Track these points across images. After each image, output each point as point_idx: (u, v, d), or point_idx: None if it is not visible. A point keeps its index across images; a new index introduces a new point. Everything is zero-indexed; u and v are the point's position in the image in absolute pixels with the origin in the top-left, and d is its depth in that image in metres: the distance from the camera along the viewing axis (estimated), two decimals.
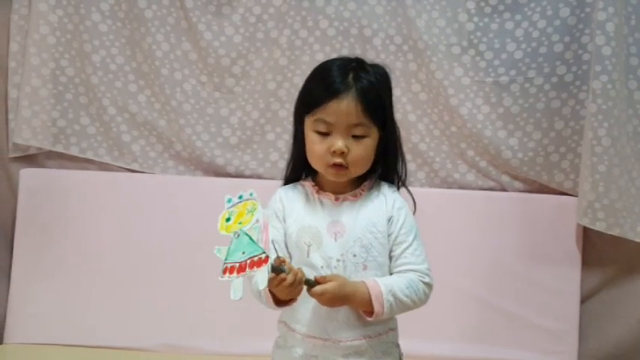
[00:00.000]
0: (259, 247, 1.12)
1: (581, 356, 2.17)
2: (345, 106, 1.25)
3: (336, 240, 1.30)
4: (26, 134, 2.19)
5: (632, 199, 2.08)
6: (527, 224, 2.19)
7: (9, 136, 2.22)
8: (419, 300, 1.29)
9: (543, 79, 2.17)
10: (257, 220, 1.15)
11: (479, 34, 2.20)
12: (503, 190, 2.26)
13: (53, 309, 2.16)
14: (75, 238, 2.19)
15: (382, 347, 1.33)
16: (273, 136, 2.30)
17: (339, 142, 1.26)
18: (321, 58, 2.16)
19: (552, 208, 2.20)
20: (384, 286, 1.26)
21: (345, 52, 2.14)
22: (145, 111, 2.28)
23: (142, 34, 2.23)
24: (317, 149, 1.29)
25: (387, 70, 1.35)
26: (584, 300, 2.20)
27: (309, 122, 1.31)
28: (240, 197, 1.21)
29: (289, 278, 1.17)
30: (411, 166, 2.21)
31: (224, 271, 1.12)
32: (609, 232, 2.08)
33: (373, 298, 1.25)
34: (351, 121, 1.26)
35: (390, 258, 1.32)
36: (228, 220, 1.19)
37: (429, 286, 1.30)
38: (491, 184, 2.26)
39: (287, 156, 1.43)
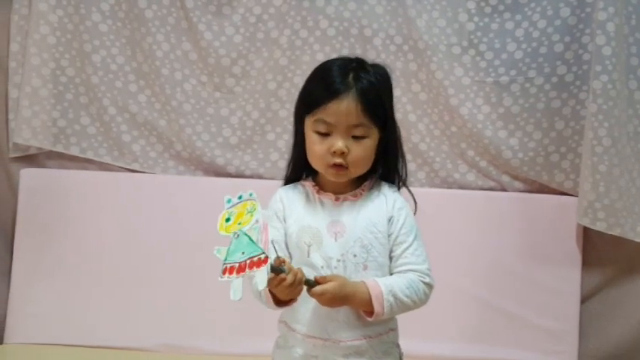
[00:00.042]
0: (259, 247, 1.12)
1: (581, 356, 2.17)
2: (345, 107, 1.25)
3: (336, 240, 1.30)
4: (26, 134, 2.19)
5: (632, 199, 2.08)
6: (527, 224, 2.19)
7: (9, 136, 2.22)
8: (419, 300, 1.29)
9: (544, 79, 2.17)
10: (256, 221, 1.15)
11: (479, 34, 2.20)
12: (504, 190, 2.26)
13: (53, 309, 2.16)
14: (75, 238, 2.19)
15: (382, 347, 1.33)
16: (274, 136, 2.30)
17: (339, 143, 1.26)
18: (321, 58, 2.16)
19: (552, 208, 2.20)
20: (384, 286, 1.26)
21: (345, 52, 2.14)
22: (145, 111, 2.28)
23: (143, 34, 2.23)
24: (317, 149, 1.29)
25: (388, 70, 1.35)
26: (584, 300, 2.20)
27: (309, 122, 1.30)
28: (240, 198, 1.21)
29: (289, 278, 1.16)
30: (411, 166, 2.21)
31: (224, 272, 1.12)
32: (609, 232, 2.08)
33: (373, 298, 1.25)
34: (351, 121, 1.26)
35: (391, 258, 1.32)
36: (227, 220, 1.19)
37: (429, 286, 1.30)
38: (492, 184, 2.26)
39: (287, 156, 1.43)
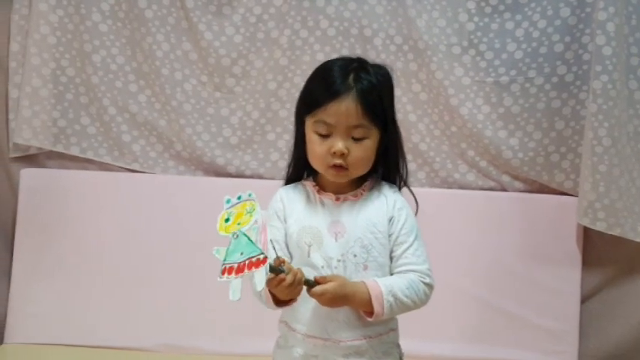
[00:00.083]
0: (258, 247, 1.12)
1: (581, 356, 2.17)
2: (345, 108, 1.25)
3: (336, 240, 1.30)
4: (27, 134, 2.19)
5: (632, 199, 2.08)
6: (527, 224, 2.19)
7: (9, 136, 2.22)
8: (419, 300, 1.29)
9: (544, 79, 2.17)
10: (255, 221, 1.15)
11: (479, 34, 2.20)
12: (504, 190, 2.26)
13: (53, 309, 2.16)
14: (75, 238, 2.19)
15: (383, 347, 1.33)
16: (274, 136, 2.30)
17: (339, 144, 1.26)
18: (321, 58, 2.16)
19: (553, 208, 2.19)
20: (384, 286, 1.26)
21: (346, 52, 2.14)
22: (145, 111, 2.28)
23: (143, 34, 2.23)
24: (317, 150, 1.29)
25: (390, 70, 1.35)
26: (584, 300, 2.20)
27: (309, 123, 1.30)
28: (239, 198, 1.21)
29: (288, 278, 1.17)
30: (411, 166, 2.21)
31: (223, 272, 1.12)
32: (610, 232, 2.08)
33: (373, 298, 1.25)
34: (351, 122, 1.26)
35: (391, 258, 1.32)
36: (227, 220, 1.19)
37: (429, 286, 1.30)
38: (492, 184, 2.26)
39: (287, 156, 1.44)
